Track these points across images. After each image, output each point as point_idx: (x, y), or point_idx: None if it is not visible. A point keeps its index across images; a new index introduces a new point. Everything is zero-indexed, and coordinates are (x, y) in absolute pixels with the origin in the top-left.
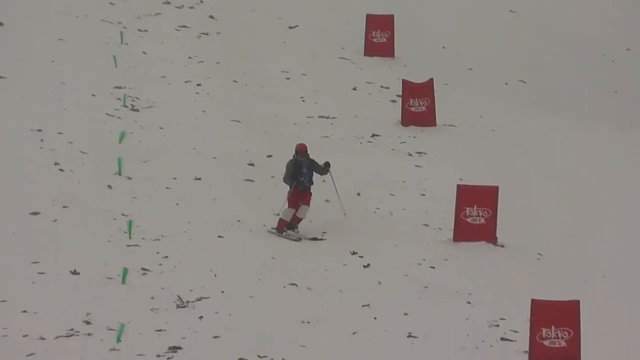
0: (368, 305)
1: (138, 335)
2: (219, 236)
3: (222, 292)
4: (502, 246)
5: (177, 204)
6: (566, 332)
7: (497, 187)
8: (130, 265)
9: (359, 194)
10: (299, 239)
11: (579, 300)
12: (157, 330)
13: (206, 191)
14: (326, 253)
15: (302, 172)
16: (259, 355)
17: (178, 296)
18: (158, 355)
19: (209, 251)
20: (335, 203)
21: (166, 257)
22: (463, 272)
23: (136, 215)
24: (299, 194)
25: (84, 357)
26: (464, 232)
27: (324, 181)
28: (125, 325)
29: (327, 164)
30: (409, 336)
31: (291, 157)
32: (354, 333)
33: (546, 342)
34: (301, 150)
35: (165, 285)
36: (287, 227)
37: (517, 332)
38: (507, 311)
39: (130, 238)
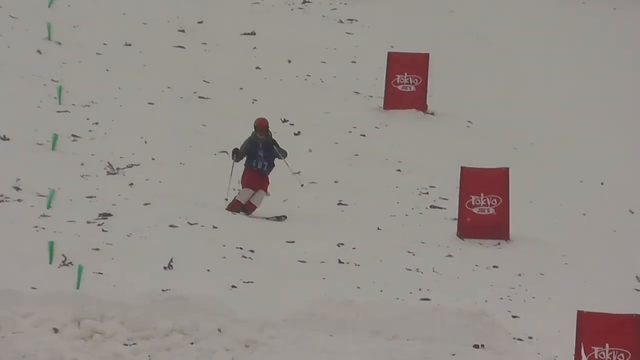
0: (299, 172)
1: (68, 201)
2: (149, 103)
3: (153, 159)
4: (432, 114)
5: (107, 70)
6: (495, 200)
7: (428, 54)
8: (61, 131)
9: (289, 61)
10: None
11: (508, 168)
12: (87, 197)
13: (136, 57)
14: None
15: (257, 155)
16: (189, 222)
17: (108, 163)
18: (88, 222)
19: (139, 118)
20: None
21: (96, 123)
22: (393, 140)
23: (66, 81)
24: (257, 177)
25: (14, 223)
26: (394, 99)
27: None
28: (55, 192)
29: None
30: (339, 204)
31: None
32: (284, 200)
33: (475, 210)
34: (259, 126)
35: (95, 151)
36: (240, 209)
37: (447, 199)
38: (437, 179)
39: (60, 104)
